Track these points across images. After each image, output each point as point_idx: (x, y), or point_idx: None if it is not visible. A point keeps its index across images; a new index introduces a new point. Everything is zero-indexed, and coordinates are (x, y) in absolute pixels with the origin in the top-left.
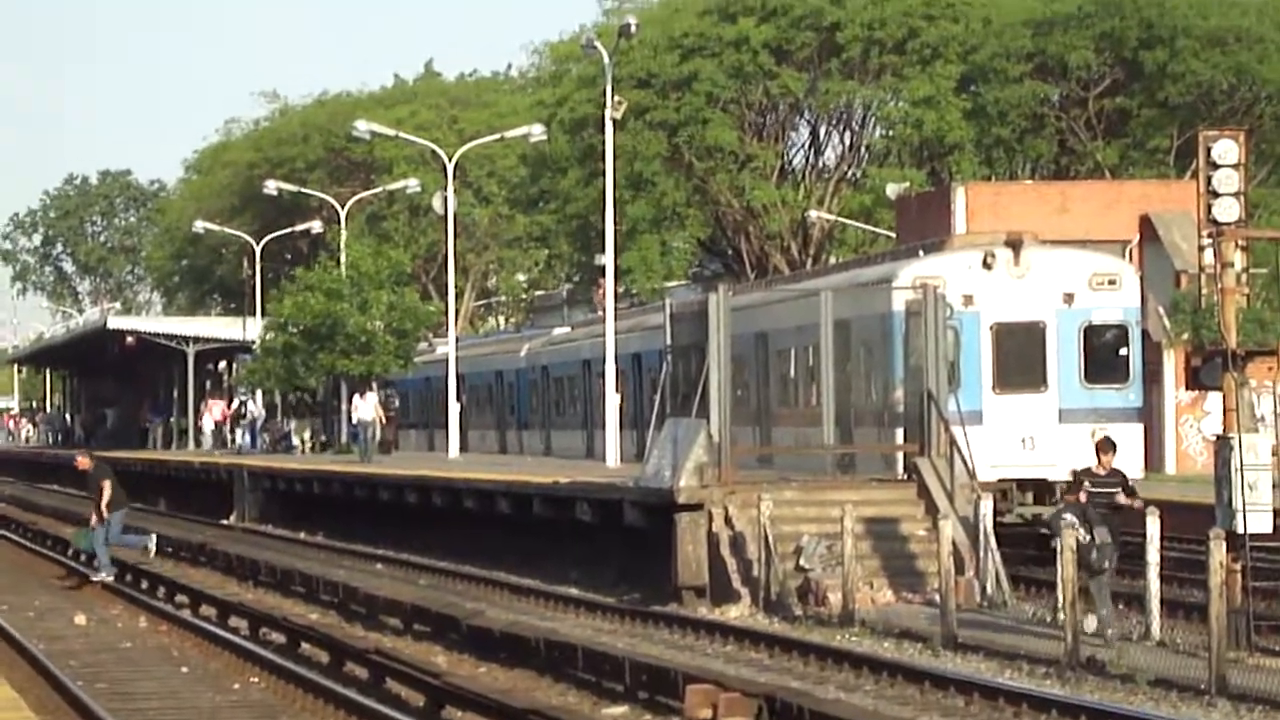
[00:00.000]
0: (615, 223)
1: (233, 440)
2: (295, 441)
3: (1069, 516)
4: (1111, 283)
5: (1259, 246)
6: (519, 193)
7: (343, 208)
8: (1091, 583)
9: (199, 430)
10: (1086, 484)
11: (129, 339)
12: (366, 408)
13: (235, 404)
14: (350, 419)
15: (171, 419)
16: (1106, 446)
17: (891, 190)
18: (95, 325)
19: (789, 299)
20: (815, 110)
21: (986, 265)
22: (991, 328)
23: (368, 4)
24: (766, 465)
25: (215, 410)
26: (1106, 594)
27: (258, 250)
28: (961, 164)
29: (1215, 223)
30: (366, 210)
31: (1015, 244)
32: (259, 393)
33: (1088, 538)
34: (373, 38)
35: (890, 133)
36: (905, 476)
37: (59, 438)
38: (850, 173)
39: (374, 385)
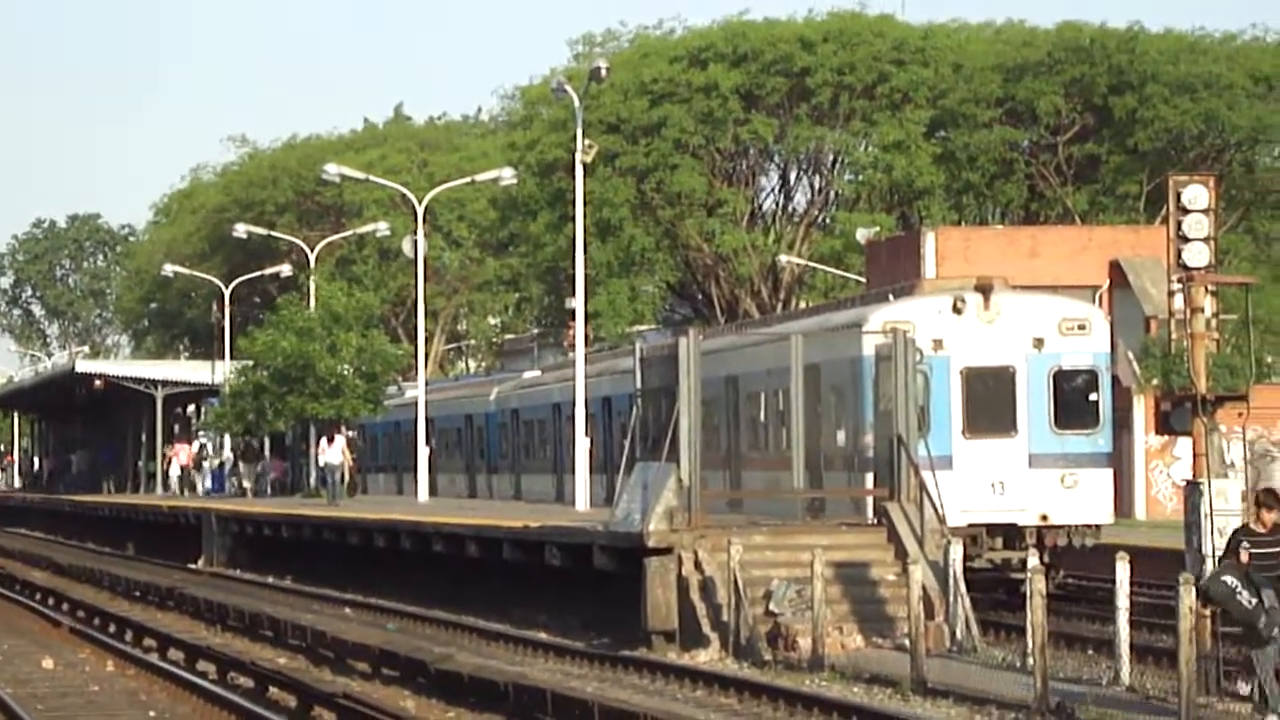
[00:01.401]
0: (585, 267)
1: (195, 485)
2: (245, 484)
3: (1230, 580)
4: (1081, 328)
5: (1228, 292)
6: (489, 236)
7: (312, 251)
8: (1257, 653)
9: (165, 475)
10: (1245, 543)
11: (97, 382)
12: (334, 451)
13: (197, 447)
14: (318, 462)
15: (139, 463)
16: (1270, 501)
17: (861, 235)
18: (63, 369)
19: (759, 343)
20: (785, 155)
21: (956, 310)
22: (961, 372)
23: (337, 48)
24: (736, 509)
25: (181, 454)
26: (1271, 667)
27: (227, 294)
28: (931, 209)
29: (1185, 268)
30: (336, 254)
31: (985, 289)
32: (227, 437)
33: (1254, 602)
34: (342, 82)
35: (860, 177)
36: (875, 521)
37: (27, 482)
38: (820, 217)
39: (342, 429)
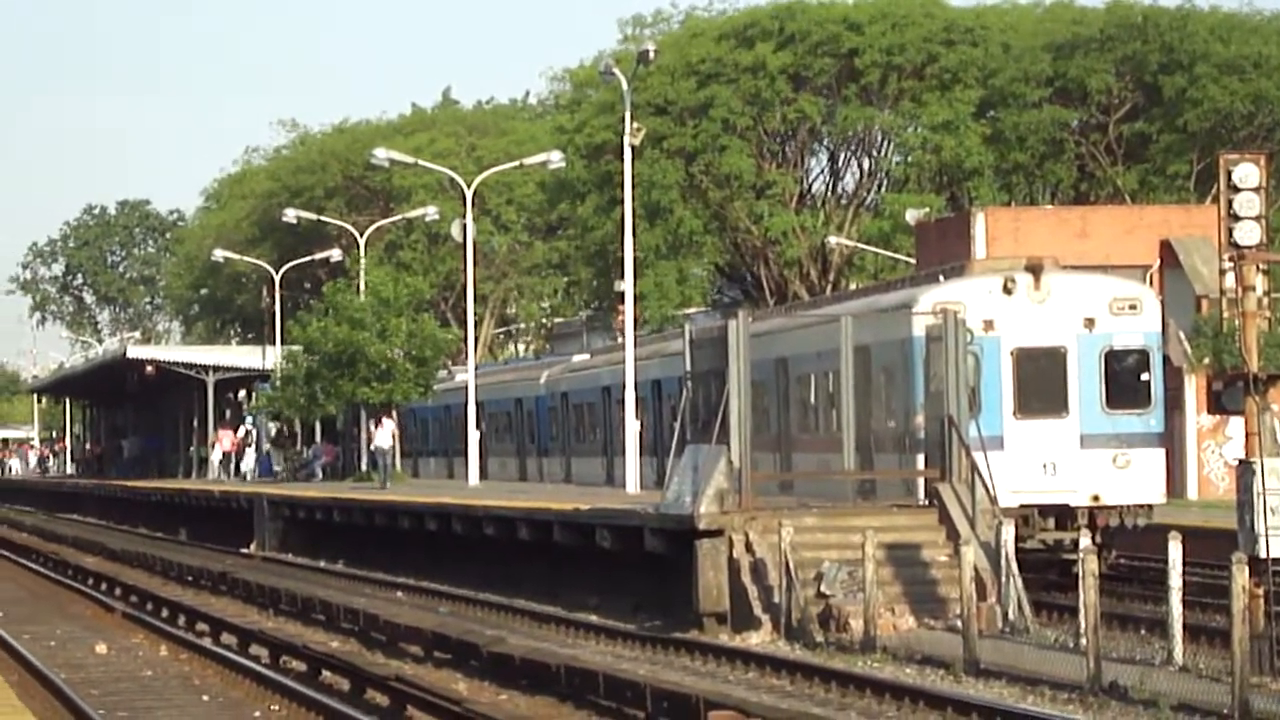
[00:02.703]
0: (634, 249)
1: (238, 470)
2: (276, 468)
3: None
4: (1132, 307)
5: (1279, 270)
6: (537, 220)
7: (361, 236)
8: None
9: (204, 461)
10: None
11: (148, 368)
12: (384, 435)
13: (242, 433)
14: (369, 446)
15: (190, 448)
16: None
17: (910, 216)
18: (115, 355)
19: (808, 325)
20: (834, 136)
21: (1007, 290)
22: (1012, 353)
23: (386, 33)
24: (787, 491)
25: (225, 440)
26: None
27: (277, 279)
28: (980, 189)
29: (1236, 246)
30: (385, 238)
31: (1035, 269)
32: (271, 424)
33: None
34: (391, 66)
35: (909, 158)
36: (926, 502)
37: (80, 468)
38: (869, 198)
39: (392, 413)
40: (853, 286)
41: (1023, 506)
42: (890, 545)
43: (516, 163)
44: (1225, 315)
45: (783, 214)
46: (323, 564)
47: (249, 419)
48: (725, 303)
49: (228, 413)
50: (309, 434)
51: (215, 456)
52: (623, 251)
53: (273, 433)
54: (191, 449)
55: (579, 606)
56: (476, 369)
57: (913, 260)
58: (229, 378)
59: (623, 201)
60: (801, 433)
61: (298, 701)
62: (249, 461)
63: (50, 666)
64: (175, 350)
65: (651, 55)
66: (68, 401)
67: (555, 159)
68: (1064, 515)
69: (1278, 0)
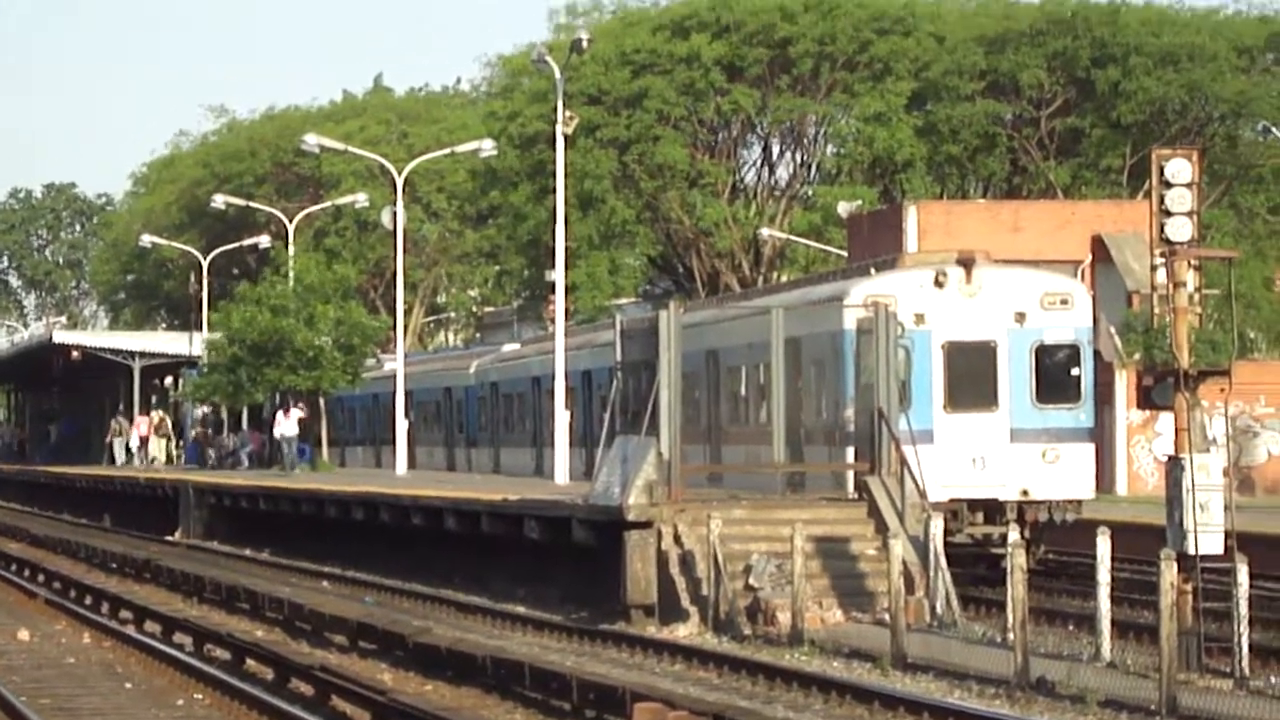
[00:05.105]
0: (565, 239)
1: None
2: (151, 456)
3: None
4: (1063, 302)
5: (1211, 267)
6: (468, 208)
7: (291, 223)
8: None
9: (110, 447)
10: None
11: (74, 354)
12: (289, 424)
13: (157, 419)
14: (273, 434)
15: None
16: None
17: (843, 208)
18: (41, 339)
19: (740, 316)
20: (767, 127)
21: (938, 284)
22: (943, 346)
23: (317, 18)
24: (716, 483)
25: (142, 425)
26: None
27: (205, 265)
28: (913, 182)
29: (1168, 242)
30: (314, 225)
31: (967, 263)
32: (202, 408)
33: None
34: (322, 52)
35: (842, 150)
36: (856, 495)
37: (3, 453)
38: (801, 190)
39: (297, 402)
40: (784, 279)
41: (952, 500)
42: (819, 538)
43: (448, 150)
44: (1156, 311)
45: (715, 205)
46: (248, 552)
47: (160, 407)
48: (657, 294)
49: (154, 399)
50: (235, 421)
51: (121, 445)
52: (554, 241)
53: (199, 417)
54: (108, 438)
55: (506, 597)
56: (405, 357)
57: (844, 253)
58: (156, 364)
59: (555, 191)
60: (732, 425)
61: (221, 690)
62: (159, 450)
63: None
64: (102, 336)
65: (585, 44)
66: None
67: (487, 147)
68: (993, 510)
69: None
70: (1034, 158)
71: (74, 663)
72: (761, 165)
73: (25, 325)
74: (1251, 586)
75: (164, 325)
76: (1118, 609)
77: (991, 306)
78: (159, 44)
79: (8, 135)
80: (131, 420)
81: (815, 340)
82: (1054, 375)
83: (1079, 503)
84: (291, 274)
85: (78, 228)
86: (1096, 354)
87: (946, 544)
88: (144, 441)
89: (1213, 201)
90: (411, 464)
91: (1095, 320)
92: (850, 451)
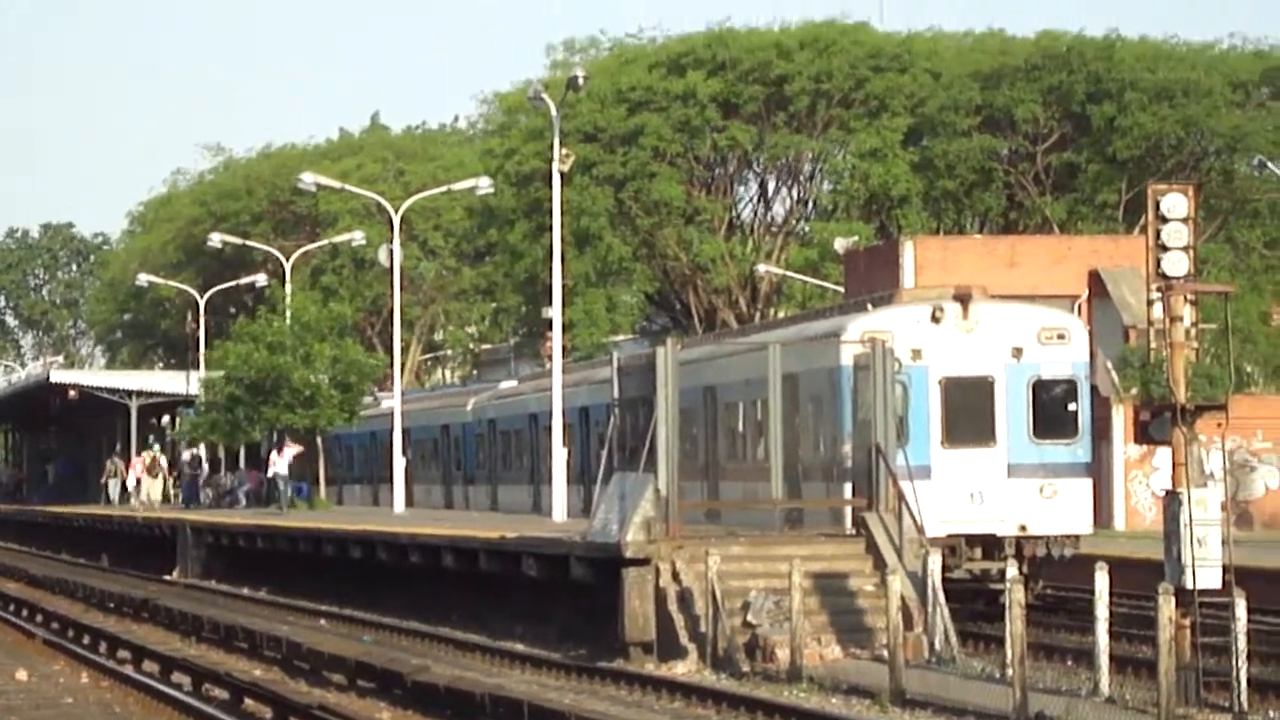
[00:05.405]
0: (562, 276)
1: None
2: (145, 496)
3: None
4: (1060, 337)
5: (1207, 301)
6: (465, 245)
7: (287, 261)
8: None
9: (106, 487)
10: None
11: (71, 393)
12: (282, 462)
13: (149, 459)
14: (267, 473)
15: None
16: None
17: (839, 244)
18: (38, 379)
19: (737, 353)
20: (763, 164)
21: (935, 319)
22: (940, 382)
23: (314, 56)
24: (714, 520)
25: (138, 466)
26: None
27: (201, 304)
28: (909, 217)
29: (1164, 276)
30: (311, 263)
31: (964, 298)
32: (201, 446)
33: None
34: (318, 90)
35: (838, 186)
36: (853, 531)
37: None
38: (798, 227)
39: (288, 440)
40: (781, 315)
41: (950, 536)
42: (817, 574)
43: (444, 188)
44: (1153, 346)
45: (712, 241)
46: (246, 591)
47: (154, 446)
48: (654, 330)
49: (151, 438)
50: (233, 460)
51: (116, 486)
52: (551, 278)
53: (188, 458)
54: (103, 478)
55: (504, 635)
56: (403, 395)
57: (841, 289)
58: (153, 403)
59: (551, 228)
60: (729, 461)
61: None
62: (154, 489)
63: None
64: (99, 375)
65: (581, 81)
66: None
67: (484, 185)
68: (991, 545)
69: (1202, 33)
70: (1030, 193)
71: (72, 703)
72: (758, 201)
73: (22, 365)
74: (1250, 621)
75: (161, 364)
76: (1116, 644)
77: (988, 342)
78: (155, 83)
79: (4, 175)
80: (128, 461)
81: (812, 376)
82: (1051, 410)
83: (1077, 538)
84: (288, 312)
85: (74, 267)
86: (1093, 389)
87: (945, 579)
88: (138, 482)
89: (1209, 236)
90: (409, 502)
91: (1092, 355)
92: (848, 487)
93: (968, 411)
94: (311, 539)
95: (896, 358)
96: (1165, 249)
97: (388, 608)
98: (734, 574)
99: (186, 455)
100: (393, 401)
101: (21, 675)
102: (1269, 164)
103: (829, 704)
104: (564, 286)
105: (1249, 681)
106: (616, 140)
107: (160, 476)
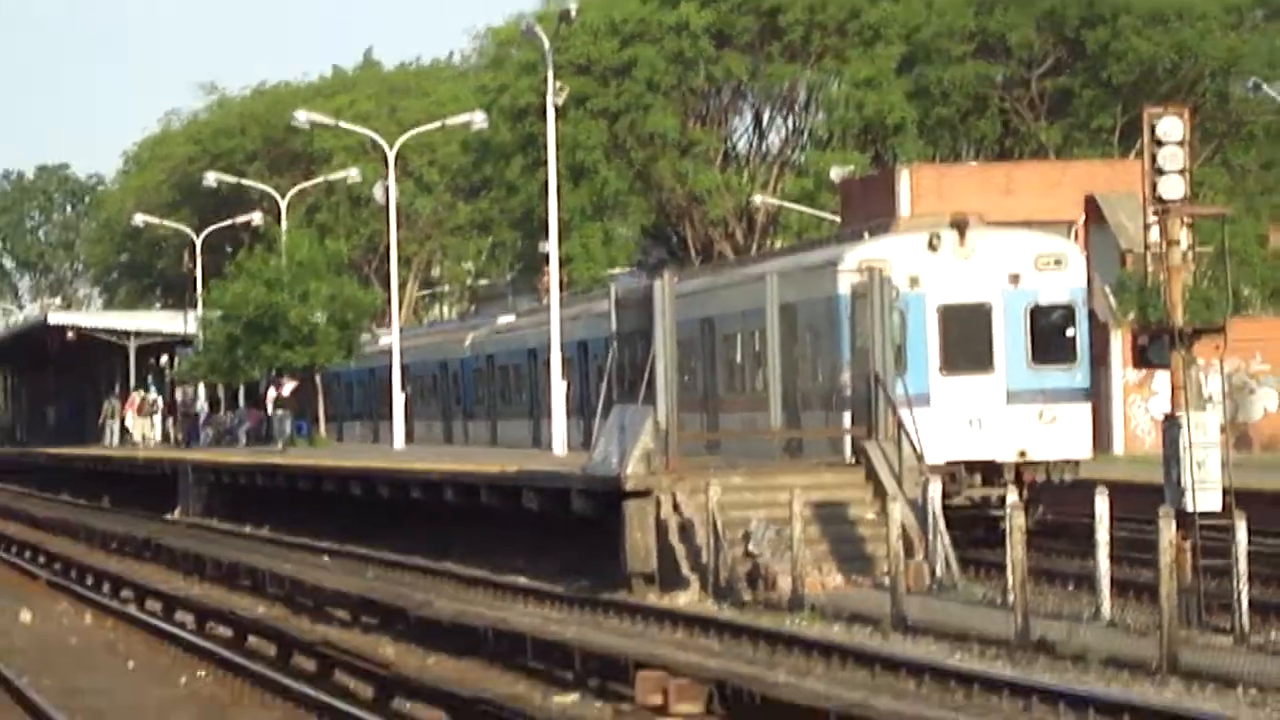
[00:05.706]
0: (558, 211)
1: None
2: (140, 436)
3: None
4: (1057, 263)
5: (1204, 224)
6: (461, 180)
7: (283, 199)
8: None
9: (101, 428)
10: None
11: (69, 334)
12: (281, 398)
13: (139, 399)
14: (269, 409)
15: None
16: None
17: (835, 174)
18: (35, 321)
19: (734, 284)
20: (758, 94)
21: (932, 247)
22: (938, 309)
23: None
24: (714, 451)
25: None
26: None
27: (198, 243)
28: (904, 145)
29: (1161, 200)
30: (307, 201)
31: (960, 226)
32: (200, 385)
33: None
34: (311, 27)
35: (833, 115)
36: (853, 460)
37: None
38: (794, 157)
39: (285, 377)
40: (778, 245)
41: (949, 463)
42: (817, 504)
43: (439, 123)
44: (1150, 270)
45: (707, 173)
46: (248, 529)
47: (152, 388)
48: (651, 263)
49: (149, 378)
50: (232, 399)
51: (115, 426)
52: (548, 213)
53: (181, 397)
54: (101, 419)
55: (507, 569)
56: (401, 331)
57: (838, 218)
58: (151, 343)
59: (547, 163)
60: (728, 392)
61: (224, 667)
62: (146, 429)
63: None
64: (96, 316)
65: (573, 14)
66: None
67: (479, 120)
68: (991, 471)
69: None
70: (1025, 119)
71: (76, 643)
72: (753, 132)
73: (20, 308)
74: (1250, 543)
75: (159, 304)
76: (1117, 568)
77: (985, 269)
78: (148, 22)
79: None
80: (125, 401)
81: (810, 306)
82: (1049, 336)
83: (1076, 463)
84: (284, 250)
85: (70, 208)
86: (1091, 314)
87: (945, 507)
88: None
89: (1204, 159)
90: (409, 438)
91: (1089, 280)
92: (847, 416)
93: (966, 338)
94: (312, 476)
95: (894, 286)
96: (1161, 173)
97: (390, 544)
98: (734, 504)
99: (179, 395)
100: (391, 338)
101: (26, 616)
102: (1264, 86)
103: (831, 632)
104: (560, 221)
105: (1250, 603)
106: (610, 73)
107: (150, 416)
